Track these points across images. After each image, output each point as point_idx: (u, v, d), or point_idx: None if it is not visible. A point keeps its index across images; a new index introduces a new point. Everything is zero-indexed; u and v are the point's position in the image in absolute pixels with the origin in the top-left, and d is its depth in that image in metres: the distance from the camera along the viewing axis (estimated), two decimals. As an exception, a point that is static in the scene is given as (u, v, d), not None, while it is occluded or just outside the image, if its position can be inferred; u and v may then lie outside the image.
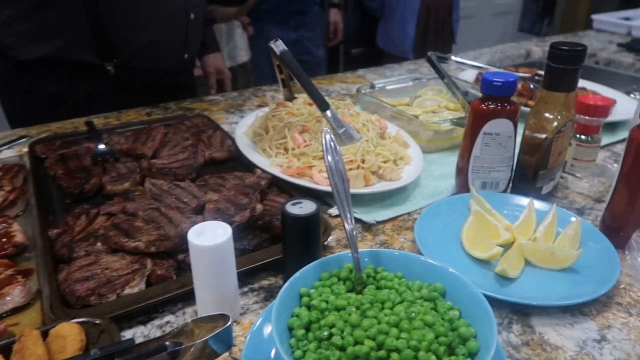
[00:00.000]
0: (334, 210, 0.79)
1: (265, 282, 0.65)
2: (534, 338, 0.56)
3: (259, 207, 0.71)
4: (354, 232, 0.52)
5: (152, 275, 0.63)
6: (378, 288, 0.51)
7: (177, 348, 0.44)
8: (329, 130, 0.54)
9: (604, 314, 0.59)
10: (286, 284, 0.50)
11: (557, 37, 2.02)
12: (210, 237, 0.54)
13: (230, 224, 0.68)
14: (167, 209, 0.71)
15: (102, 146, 0.94)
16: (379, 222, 0.77)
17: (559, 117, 0.76)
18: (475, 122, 0.77)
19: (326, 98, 1.02)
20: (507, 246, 0.69)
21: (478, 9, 3.86)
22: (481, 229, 0.70)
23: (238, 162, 0.95)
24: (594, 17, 2.09)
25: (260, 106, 1.27)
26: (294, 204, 0.61)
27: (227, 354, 0.54)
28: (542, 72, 1.27)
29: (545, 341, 0.55)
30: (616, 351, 0.54)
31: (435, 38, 2.99)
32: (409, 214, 0.80)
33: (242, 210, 0.70)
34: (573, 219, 0.71)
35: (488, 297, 0.59)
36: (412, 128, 1.00)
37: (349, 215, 0.53)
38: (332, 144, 0.54)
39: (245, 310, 0.60)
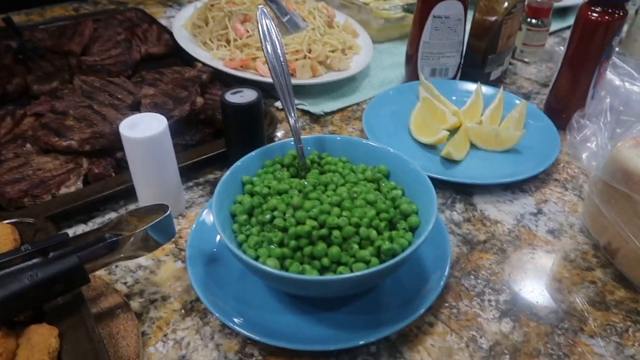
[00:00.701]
0: (280, 103, 0.76)
1: (210, 177, 0.64)
2: (475, 215, 0.58)
3: (200, 100, 0.67)
4: (297, 125, 0.50)
5: (90, 174, 0.60)
6: (322, 173, 0.51)
7: (116, 239, 0.42)
8: (265, 11, 0.50)
9: (542, 189, 0.62)
10: (227, 172, 0.48)
11: None
12: (144, 129, 0.51)
13: (169, 118, 0.64)
14: (100, 106, 0.67)
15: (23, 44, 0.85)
16: (327, 113, 0.75)
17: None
18: (424, 5, 0.74)
19: None
20: (454, 130, 0.69)
21: None
22: (429, 115, 0.69)
23: (177, 57, 0.88)
24: None
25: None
26: (234, 93, 0.57)
27: (172, 244, 0.53)
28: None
29: (486, 217, 0.57)
30: (550, 222, 0.57)
31: None
32: (357, 104, 0.78)
33: (182, 103, 0.66)
34: (518, 101, 0.71)
35: (433, 179, 0.60)
36: (362, 17, 0.95)
37: (291, 108, 0.51)
38: (270, 28, 0.50)
39: (191, 204, 0.59)
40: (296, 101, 0.77)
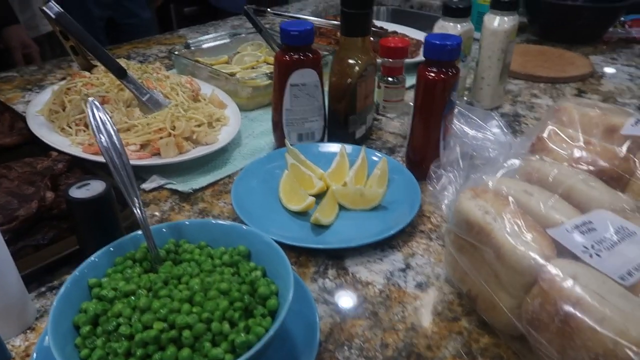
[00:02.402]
0: (148, 185, 0.73)
1: (66, 277, 0.58)
2: (347, 279, 0.58)
3: (50, 195, 0.62)
4: (144, 214, 0.48)
5: None
6: (178, 262, 0.48)
7: None
8: (96, 102, 0.48)
9: (409, 243, 0.64)
10: (69, 278, 0.44)
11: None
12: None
13: (14, 219, 0.59)
14: None
15: None
16: (196, 190, 0.73)
17: (359, 62, 0.77)
18: (280, 74, 0.76)
19: (139, 64, 0.94)
20: (322, 194, 0.70)
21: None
22: (296, 182, 0.70)
23: (34, 145, 0.83)
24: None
25: (64, 79, 1.13)
26: (79, 187, 0.54)
27: (13, 369, 0.47)
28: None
29: (358, 280, 0.58)
30: (418, 276, 0.58)
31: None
32: (229, 176, 0.77)
33: (28, 201, 0.61)
34: (376, 158, 0.74)
35: (303, 249, 0.60)
36: (230, 87, 0.96)
37: (135, 197, 0.48)
38: (104, 120, 0.48)
39: (43, 313, 0.54)
40: (163, 180, 0.74)
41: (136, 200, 0.48)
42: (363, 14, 0.75)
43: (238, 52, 1.13)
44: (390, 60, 0.92)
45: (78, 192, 0.53)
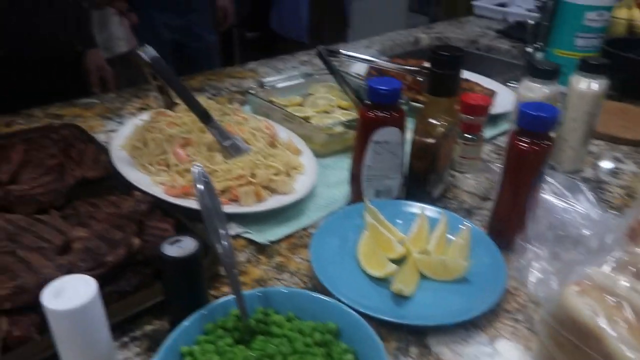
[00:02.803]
0: (232, 231, 0.74)
1: (148, 328, 0.59)
2: None
3: (137, 241, 0.63)
4: (236, 280, 0.47)
5: (9, 338, 0.54)
6: (268, 334, 0.48)
7: None
8: (199, 166, 0.48)
9: (493, 323, 0.61)
10: (163, 346, 0.44)
11: (442, 24, 2.09)
12: (71, 297, 0.46)
13: (103, 265, 0.60)
14: (25, 252, 0.61)
15: (-57, 173, 0.79)
16: (273, 242, 0.73)
17: (444, 122, 0.76)
18: (363, 130, 0.75)
19: (215, 98, 0.95)
20: (402, 260, 0.68)
21: (369, -10, 3.90)
22: (376, 244, 0.68)
23: (116, 179, 0.85)
24: (474, 3, 2.19)
25: (142, 109, 1.17)
26: (172, 243, 0.54)
27: None
28: (426, 66, 1.29)
29: (441, 361, 0.55)
30: (506, 363, 0.55)
31: (329, 21, 2.98)
32: (304, 228, 0.77)
33: (117, 247, 0.62)
34: (462, 226, 0.72)
35: (385, 322, 0.58)
36: (304, 132, 0.96)
37: (233, 279, 0.48)
38: (204, 183, 0.48)
39: (125, 366, 0.54)
40: (241, 229, 0.74)
41: (233, 279, 0.48)
42: (452, 75, 0.73)
43: (311, 94, 1.14)
44: (470, 117, 0.90)
45: (171, 250, 0.53)
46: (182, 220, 0.73)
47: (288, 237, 0.75)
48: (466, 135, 0.91)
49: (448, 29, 1.97)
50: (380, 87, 0.71)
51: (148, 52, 0.76)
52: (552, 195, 0.77)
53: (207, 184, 0.48)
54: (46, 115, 1.12)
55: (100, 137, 1.02)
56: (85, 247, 0.62)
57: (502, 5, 2.20)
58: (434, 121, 0.76)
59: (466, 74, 1.34)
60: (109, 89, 1.45)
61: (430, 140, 0.76)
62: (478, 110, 0.89)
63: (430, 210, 0.76)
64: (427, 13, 5.24)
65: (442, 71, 0.72)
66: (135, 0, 2.08)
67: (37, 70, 1.07)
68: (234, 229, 0.75)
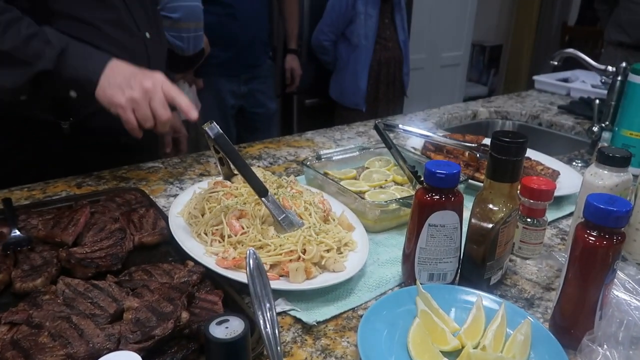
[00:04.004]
0: (278, 308, 0.73)
1: (188, 408, 0.57)
2: None
3: (185, 315, 0.64)
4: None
5: (54, 407, 0.54)
6: None
7: None
8: (254, 252, 0.49)
9: None
10: None
11: (502, 97, 2.08)
12: (116, 374, 0.46)
13: (151, 338, 0.60)
14: (79, 319, 0.63)
15: (16, 232, 0.84)
16: (320, 323, 0.71)
17: (504, 208, 0.73)
18: (419, 213, 0.74)
19: (274, 166, 0.97)
20: (455, 353, 0.64)
21: (427, 61, 3.98)
22: (428, 334, 0.65)
23: (171, 246, 0.87)
24: (536, 78, 2.17)
25: (202, 175, 1.21)
26: (219, 323, 0.54)
27: None
28: (487, 142, 1.27)
29: None
30: None
31: (386, 90, 3.05)
32: (353, 309, 0.75)
33: (165, 320, 0.62)
34: (522, 320, 0.67)
35: None
36: (357, 206, 0.96)
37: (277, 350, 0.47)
38: (257, 267, 0.48)
39: None
40: (288, 306, 0.73)
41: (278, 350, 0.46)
42: (514, 161, 0.71)
43: (367, 168, 1.15)
44: (532, 201, 0.86)
45: (218, 331, 0.53)
46: (231, 293, 0.73)
47: (335, 317, 0.73)
48: (527, 219, 0.87)
49: (507, 103, 1.96)
50: (439, 172, 0.70)
51: (213, 129, 0.79)
52: (624, 291, 0.71)
53: (259, 265, 0.48)
54: (114, 177, 1.18)
55: (161, 202, 1.06)
56: (136, 319, 0.63)
57: (565, 80, 2.17)
58: (493, 207, 0.73)
59: (527, 152, 1.31)
60: (181, 151, 1.51)
61: (489, 225, 0.73)
62: (541, 195, 0.85)
63: (487, 299, 0.72)
64: (485, 83, 5.27)
65: (504, 157, 0.71)
66: (203, 68, 2.22)
67: (103, 135, 1.14)
68: (281, 305, 0.73)
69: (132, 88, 0.95)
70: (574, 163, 1.36)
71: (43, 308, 0.65)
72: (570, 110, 1.84)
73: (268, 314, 0.47)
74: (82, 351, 0.58)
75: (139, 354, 0.57)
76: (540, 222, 0.87)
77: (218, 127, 0.79)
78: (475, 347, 0.64)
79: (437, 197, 0.72)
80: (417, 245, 0.75)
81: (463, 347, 0.64)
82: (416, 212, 0.74)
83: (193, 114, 0.94)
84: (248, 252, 0.48)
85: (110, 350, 0.60)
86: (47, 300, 0.67)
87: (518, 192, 0.76)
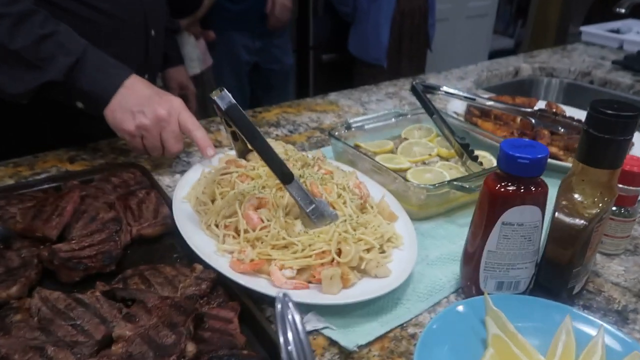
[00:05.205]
0: (309, 326, 0.58)
1: None
2: None
3: (191, 349, 0.49)
4: None
5: None
6: None
7: None
8: (284, 296, 0.33)
9: None
10: None
11: (546, 52, 1.85)
12: None
13: (147, 382, 0.46)
14: (56, 351, 0.49)
15: (-10, 225, 0.70)
16: (361, 347, 0.56)
17: (600, 202, 0.56)
18: (491, 207, 0.57)
19: (294, 135, 0.81)
20: (543, 397, 0.49)
21: (452, 11, 3.68)
22: (506, 370, 0.50)
23: (175, 238, 0.72)
24: (583, 29, 1.94)
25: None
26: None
27: None
28: (543, 108, 1.08)
29: None
30: None
31: (410, 44, 2.82)
32: (402, 326, 0.60)
33: (165, 356, 0.48)
34: (628, 351, 0.52)
35: None
36: (397, 188, 0.80)
37: None
38: (294, 319, 0.33)
39: None
40: (322, 324, 0.59)
41: None
42: (620, 142, 0.54)
43: (405, 139, 0.97)
44: (623, 186, 0.69)
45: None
46: (248, 305, 0.58)
47: (380, 337, 0.58)
48: (614, 208, 0.70)
49: (553, 58, 1.74)
50: (521, 156, 0.53)
51: (224, 99, 0.62)
52: None
53: (295, 323, 0.32)
54: (112, 149, 1.03)
55: (165, 181, 0.91)
56: (128, 354, 0.48)
57: (616, 31, 1.93)
58: (587, 200, 0.57)
59: (579, 114, 1.10)
60: (190, 109, 1.37)
61: (580, 223, 0.57)
62: (635, 179, 0.68)
63: (577, 318, 0.56)
64: (512, 35, 4.95)
65: (607, 135, 0.53)
66: (216, 22, 2.03)
67: None
68: (312, 322, 0.59)
69: (145, 115, 0.84)
70: (641, 130, 1.17)
71: (12, 334, 0.51)
72: (626, 66, 1.62)
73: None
74: (58, 399, 0.45)
75: (132, 403, 0.43)
76: (631, 211, 0.70)
77: (230, 95, 0.62)
78: (568, 388, 0.49)
79: (515, 188, 0.55)
80: (485, 247, 0.59)
81: (554, 390, 0.49)
82: (486, 205, 0.58)
83: (209, 152, 0.84)
84: (279, 297, 0.33)
85: (95, 396, 0.46)
86: (17, 322, 0.53)
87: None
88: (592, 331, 0.55)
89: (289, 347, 0.33)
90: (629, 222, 0.71)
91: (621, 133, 0.53)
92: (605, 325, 0.54)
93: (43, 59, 0.83)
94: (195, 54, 1.87)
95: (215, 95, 0.62)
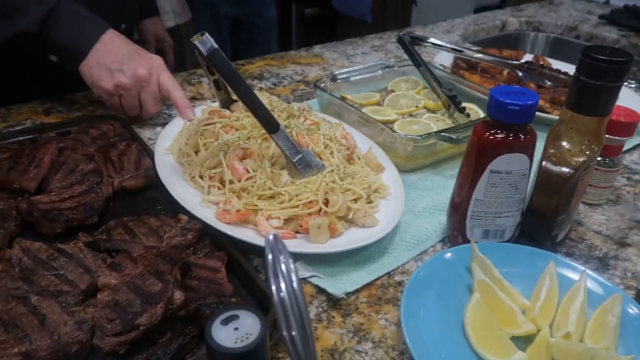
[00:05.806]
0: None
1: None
2: None
3: (179, 296, 0.48)
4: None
5: None
6: None
7: None
8: (274, 235, 0.32)
9: None
10: None
11: (533, 6, 1.82)
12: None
13: (134, 328, 0.46)
14: (40, 300, 0.48)
15: (-37, 177, 0.67)
16: (349, 294, 0.57)
17: (587, 150, 0.56)
18: (479, 155, 0.57)
19: (278, 88, 0.79)
20: (527, 338, 0.50)
21: (438, -36, 3.59)
22: (491, 313, 0.51)
23: (159, 190, 0.71)
24: (570, -18, 1.90)
25: (194, 99, 1.02)
26: (225, 322, 0.39)
27: None
28: (530, 60, 1.08)
29: None
30: None
31: (395, -1, 2.75)
32: (389, 274, 0.60)
33: (153, 304, 0.47)
34: (607, 294, 0.53)
35: None
36: (384, 139, 0.79)
37: None
38: (287, 264, 0.32)
39: None
40: (309, 272, 0.59)
41: None
42: (611, 88, 0.53)
43: (391, 91, 0.96)
44: (609, 136, 0.69)
45: (223, 335, 0.38)
46: (236, 256, 0.58)
47: (368, 285, 0.58)
48: (599, 158, 0.71)
49: (540, 12, 1.72)
50: (511, 102, 0.52)
51: (205, 43, 0.60)
52: None
53: (288, 269, 0.32)
54: (89, 102, 0.99)
55: (146, 133, 0.89)
56: (114, 302, 0.48)
57: (603, -15, 1.91)
58: (574, 147, 0.57)
59: (566, 68, 1.10)
60: (167, 63, 1.33)
61: (567, 171, 0.57)
62: (621, 129, 0.68)
63: (561, 264, 0.57)
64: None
65: (598, 82, 0.52)
66: (195, -27, 1.94)
67: None
68: (300, 270, 0.59)
69: (124, 74, 0.81)
70: (625, 83, 1.17)
71: (-7, 284, 0.50)
72: (612, 21, 1.61)
73: (295, 334, 0.32)
74: (44, 347, 0.44)
75: (120, 349, 0.43)
76: (615, 161, 0.71)
77: (212, 40, 0.60)
78: (550, 330, 0.51)
79: (504, 135, 0.55)
80: (473, 195, 0.59)
81: (538, 331, 0.50)
82: (473, 153, 0.57)
83: (188, 114, 0.80)
84: (268, 238, 0.32)
85: (81, 343, 0.46)
86: (-1, 272, 0.52)
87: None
88: (574, 276, 0.56)
89: (282, 294, 0.32)
90: (613, 172, 0.71)
91: (612, 79, 0.53)
92: (587, 270, 0.55)
93: (13, 8, 0.78)
94: (170, 5, 1.79)
95: (196, 40, 0.59)
